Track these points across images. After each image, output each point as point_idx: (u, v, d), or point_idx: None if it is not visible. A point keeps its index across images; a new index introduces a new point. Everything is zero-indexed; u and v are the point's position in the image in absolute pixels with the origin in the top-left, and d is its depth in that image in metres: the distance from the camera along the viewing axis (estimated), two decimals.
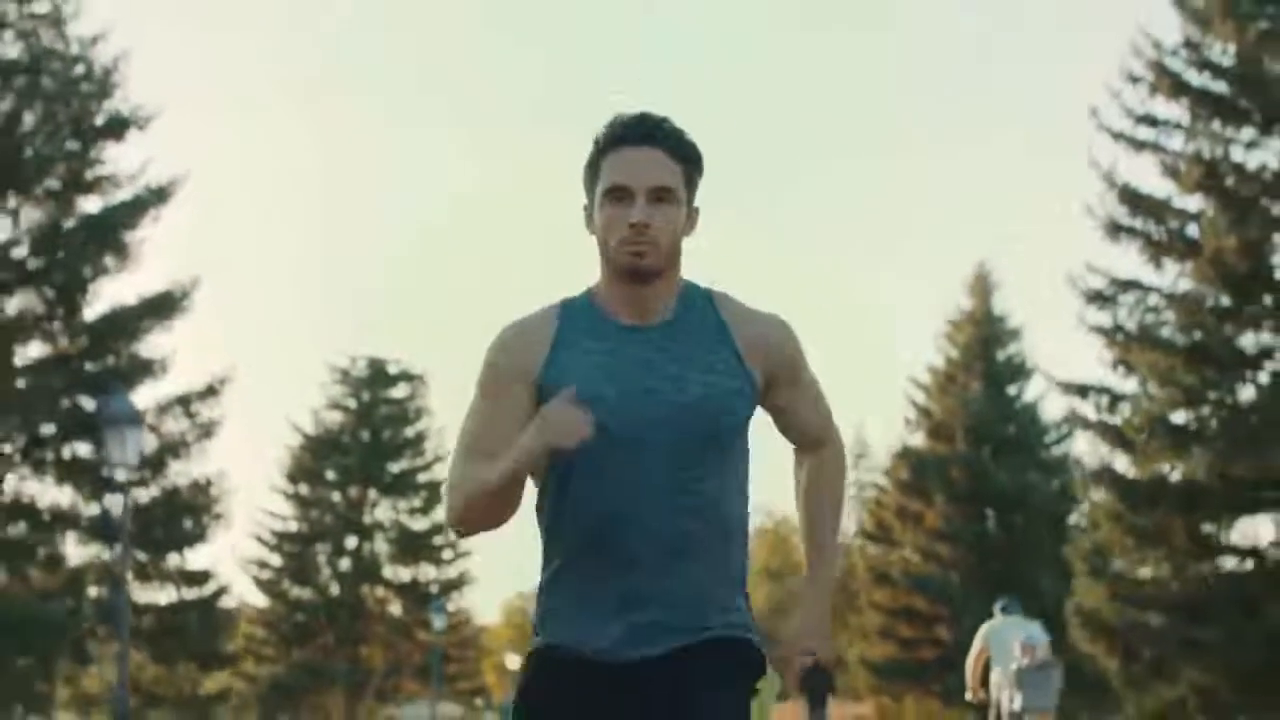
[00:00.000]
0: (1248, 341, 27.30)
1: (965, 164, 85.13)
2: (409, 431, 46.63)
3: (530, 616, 3.35)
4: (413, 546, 46.10)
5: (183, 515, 29.54)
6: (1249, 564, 27.64)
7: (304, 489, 45.81)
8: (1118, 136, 27.90)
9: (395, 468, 46.23)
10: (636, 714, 3.06)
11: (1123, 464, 28.08)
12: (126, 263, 28.07)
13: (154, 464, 28.45)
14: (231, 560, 44.57)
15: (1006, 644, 14.64)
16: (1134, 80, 27.80)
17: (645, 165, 3.08)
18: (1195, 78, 27.56)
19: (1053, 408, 41.80)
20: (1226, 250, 26.37)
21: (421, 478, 46.10)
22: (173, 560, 30.00)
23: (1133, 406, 27.82)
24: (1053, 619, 28.99)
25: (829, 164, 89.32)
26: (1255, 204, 26.87)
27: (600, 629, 3.09)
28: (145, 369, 28.54)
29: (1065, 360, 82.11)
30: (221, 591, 31.28)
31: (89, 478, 27.18)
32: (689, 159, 3.13)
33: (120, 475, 18.88)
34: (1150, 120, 27.80)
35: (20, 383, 27.13)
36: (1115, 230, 27.70)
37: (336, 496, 45.93)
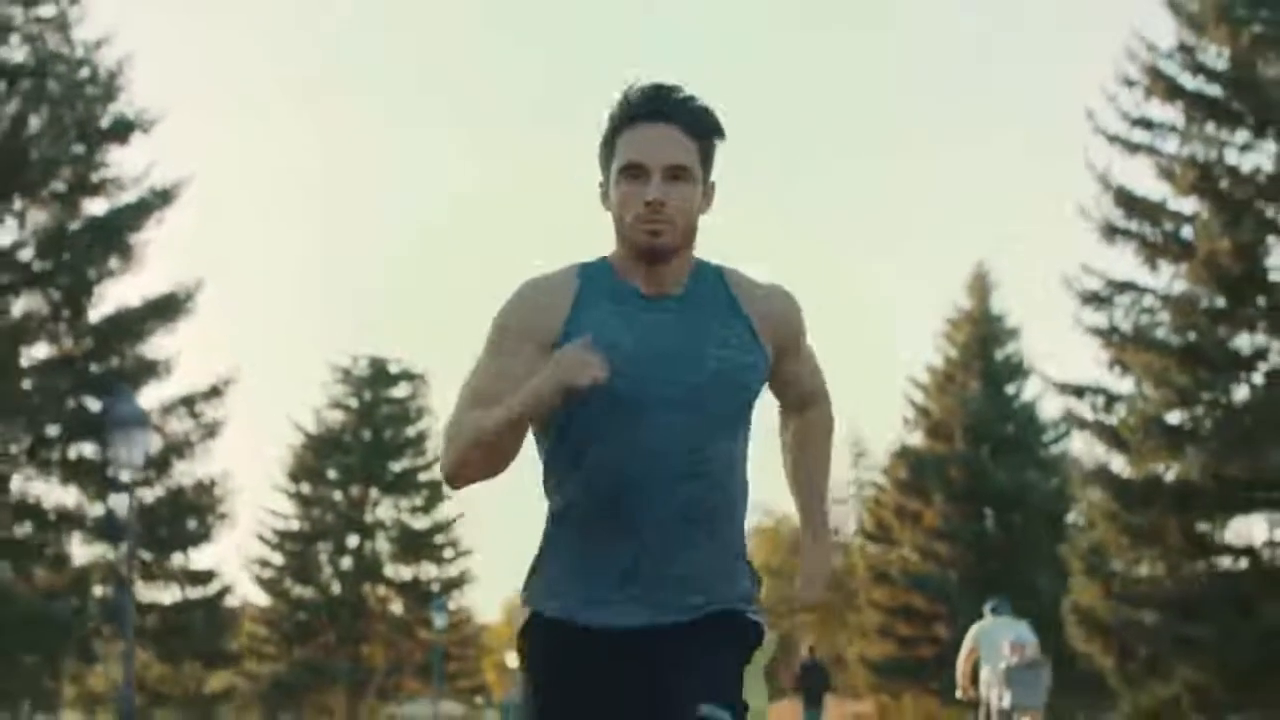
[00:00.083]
0: (1242, 343, 27.55)
1: (965, 164, 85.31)
2: (410, 431, 46.75)
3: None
4: (414, 545, 46.23)
5: (187, 515, 29.78)
6: (1243, 563, 27.87)
7: (306, 488, 45.94)
8: (1113, 139, 28.13)
9: (396, 467, 46.34)
10: (635, 681, 3.07)
11: (1118, 464, 28.30)
12: (131, 264, 28.32)
13: (158, 464, 28.66)
14: (235, 559, 44.76)
15: (996, 643, 14.98)
16: (1129, 83, 28.03)
17: (661, 143, 3.06)
18: (1190, 81, 27.80)
19: (1051, 407, 41.88)
20: (1220, 252, 26.59)
21: (423, 477, 46.19)
22: (177, 560, 30.25)
23: (1128, 407, 28.04)
24: (1050, 617, 29.23)
25: (828, 164, 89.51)
26: (1249, 206, 27.10)
27: (603, 595, 3.08)
28: (150, 370, 28.78)
29: (1063, 360, 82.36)
30: (225, 591, 31.52)
31: (94, 478, 27.40)
32: (705, 135, 3.11)
33: (126, 476, 19.05)
34: (1145, 123, 28.03)
35: (26, 384, 27.34)
36: (1111, 232, 27.93)
37: (338, 495, 46.06)
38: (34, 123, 27.35)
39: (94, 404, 26.84)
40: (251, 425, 72.99)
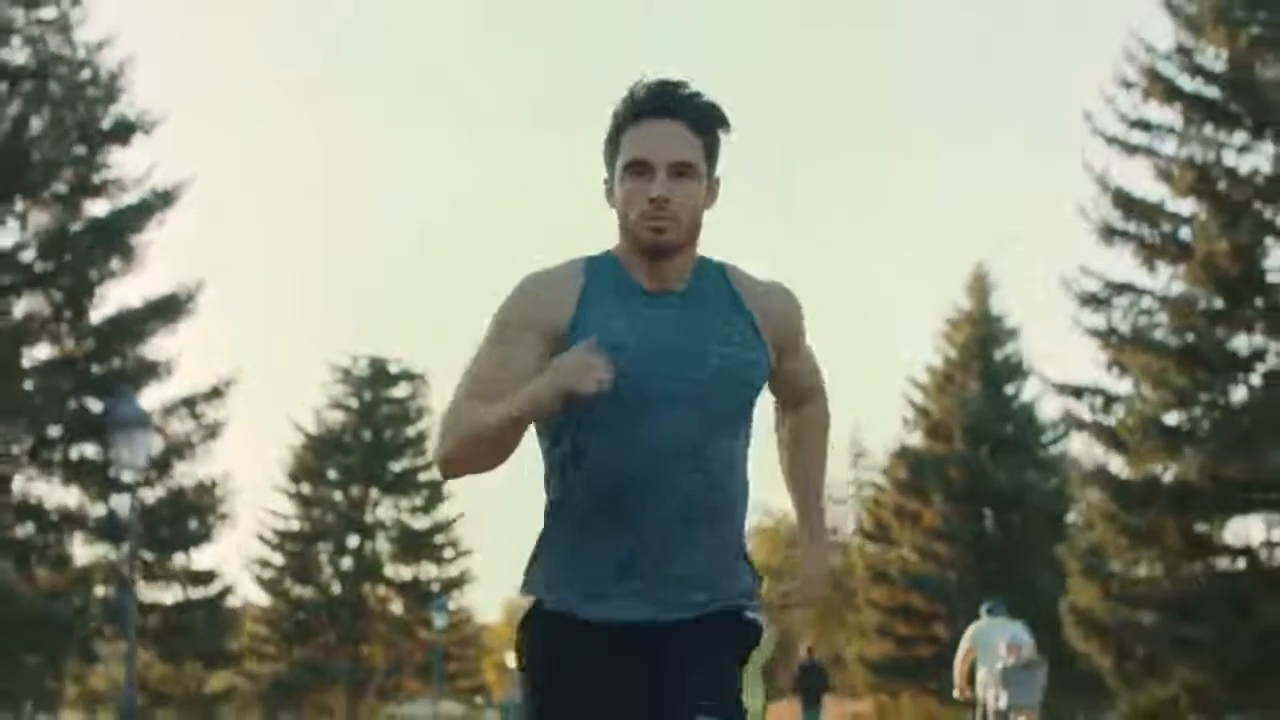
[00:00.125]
0: (1239, 344, 27.63)
1: (965, 164, 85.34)
2: (410, 431, 46.80)
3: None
4: (414, 545, 46.29)
5: (188, 515, 29.87)
6: (1241, 564, 27.95)
7: (306, 488, 45.99)
8: (1111, 141, 28.21)
9: (397, 467, 46.39)
10: (636, 677, 3.08)
11: (1117, 465, 28.37)
12: (132, 266, 28.40)
13: (160, 465, 28.73)
14: (236, 560, 44.83)
15: (992, 644, 15.13)
16: (1127, 85, 28.12)
17: (665, 140, 3.05)
18: (1188, 83, 27.89)
19: (1050, 408, 41.96)
20: (1218, 254, 26.68)
21: (423, 477, 46.22)
22: (178, 560, 30.34)
23: (1126, 408, 28.12)
24: (1049, 617, 29.30)
25: (828, 164, 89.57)
26: (1247, 208, 27.19)
27: (602, 589, 3.08)
28: (151, 371, 28.86)
29: (1063, 361, 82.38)
30: (227, 591, 31.61)
31: (96, 478, 27.49)
32: (710, 130, 3.11)
33: (127, 476, 19.12)
34: (1143, 125, 28.12)
35: (28, 384, 27.42)
36: (1109, 233, 28.02)
37: (338, 495, 46.11)
38: (36, 124, 27.42)
39: (95, 405, 26.92)
40: (252, 426, 73.17)
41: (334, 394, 46.87)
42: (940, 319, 44.18)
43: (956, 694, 15.59)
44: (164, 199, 28.64)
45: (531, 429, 3.13)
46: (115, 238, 28.12)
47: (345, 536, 45.69)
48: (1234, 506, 27.46)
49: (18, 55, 27.82)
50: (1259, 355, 27.48)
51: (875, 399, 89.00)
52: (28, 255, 27.81)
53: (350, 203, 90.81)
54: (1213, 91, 27.78)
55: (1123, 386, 28.33)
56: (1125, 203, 28.01)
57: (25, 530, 27.72)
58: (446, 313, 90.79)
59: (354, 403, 46.77)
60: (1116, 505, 27.77)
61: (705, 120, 3.10)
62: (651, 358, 3.06)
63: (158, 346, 29.05)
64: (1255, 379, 27.60)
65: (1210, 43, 27.54)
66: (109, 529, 27.53)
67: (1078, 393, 28.75)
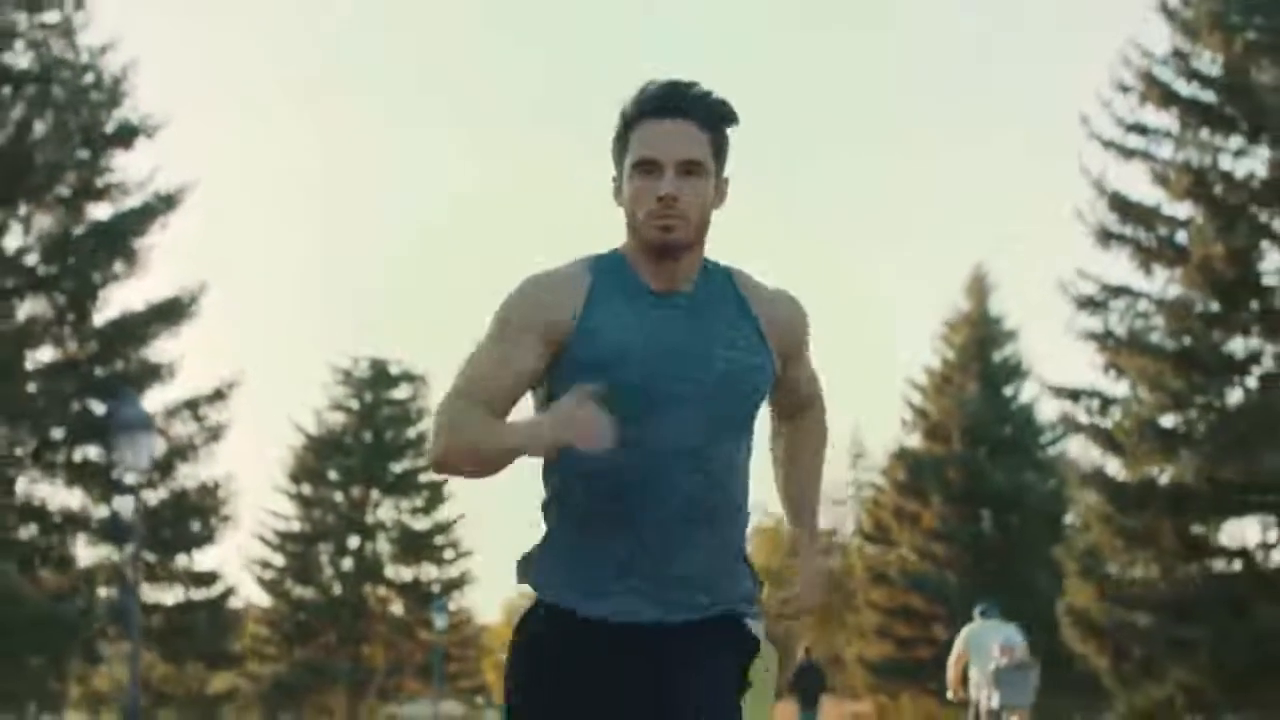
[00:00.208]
0: (1235, 346, 27.77)
1: (965, 164, 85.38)
2: (411, 432, 46.87)
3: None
4: (414, 546, 46.37)
5: (190, 517, 30.02)
6: (1236, 565, 28.07)
7: (307, 489, 46.06)
8: (1108, 144, 28.36)
9: (397, 468, 46.46)
10: (640, 677, 3.07)
11: (1113, 467, 28.50)
12: (135, 269, 28.56)
13: (162, 467, 28.88)
14: (237, 561, 44.94)
15: (985, 646, 15.33)
16: (1124, 89, 28.27)
17: (673, 138, 3.05)
18: (1184, 87, 28.04)
19: (1048, 409, 42.02)
20: (1215, 257, 26.82)
21: (423, 478, 46.24)
22: (181, 561, 30.49)
23: (1123, 410, 28.24)
24: (1048, 618, 29.45)
25: (828, 164, 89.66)
26: (1243, 211, 27.34)
27: (602, 587, 3.07)
28: (154, 373, 29.00)
29: (1062, 362, 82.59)
30: (229, 592, 31.75)
31: (99, 480, 27.62)
32: (718, 129, 3.11)
33: (130, 478, 19.28)
34: (1140, 129, 28.26)
35: (31, 387, 27.57)
36: (1106, 237, 28.16)
37: (339, 496, 46.19)
38: (39, 128, 27.56)
39: (98, 407, 27.07)
40: (253, 427, 73.27)
41: (335, 395, 46.96)
42: (939, 320, 44.31)
43: (950, 695, 15.80)
44: (166, 202, 28.79)
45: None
46: (118, 241, 28.27)
47: (346, 537, 45.78)
48: (1230, 508, 27.59)
49: (21, 59, 27.97)
50: (1255, 358, 27.63)
51: (874, 400, 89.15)
52: (31, 258, 27.97)
53: (350, 204, 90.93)
54: (1209, 96, 27.93)
55: (1119, 389, 28.48)
56: (1122, 206, 28.15)
57: (29, 532, 27.88)
58: (447, 313, 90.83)
59: (355, 404, 46.84)
60: (1113, 507, 27.90)
61: (713, 118, 3.10)
62: (657, 359, 3.05)
63: (160, 349, 29.26)
64: (1251, 382, 27.74)
65: (1206, 47, 27.69)
66: (112, 530, 27.69)
67: (1074, 395, 28.90)
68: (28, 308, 27.94)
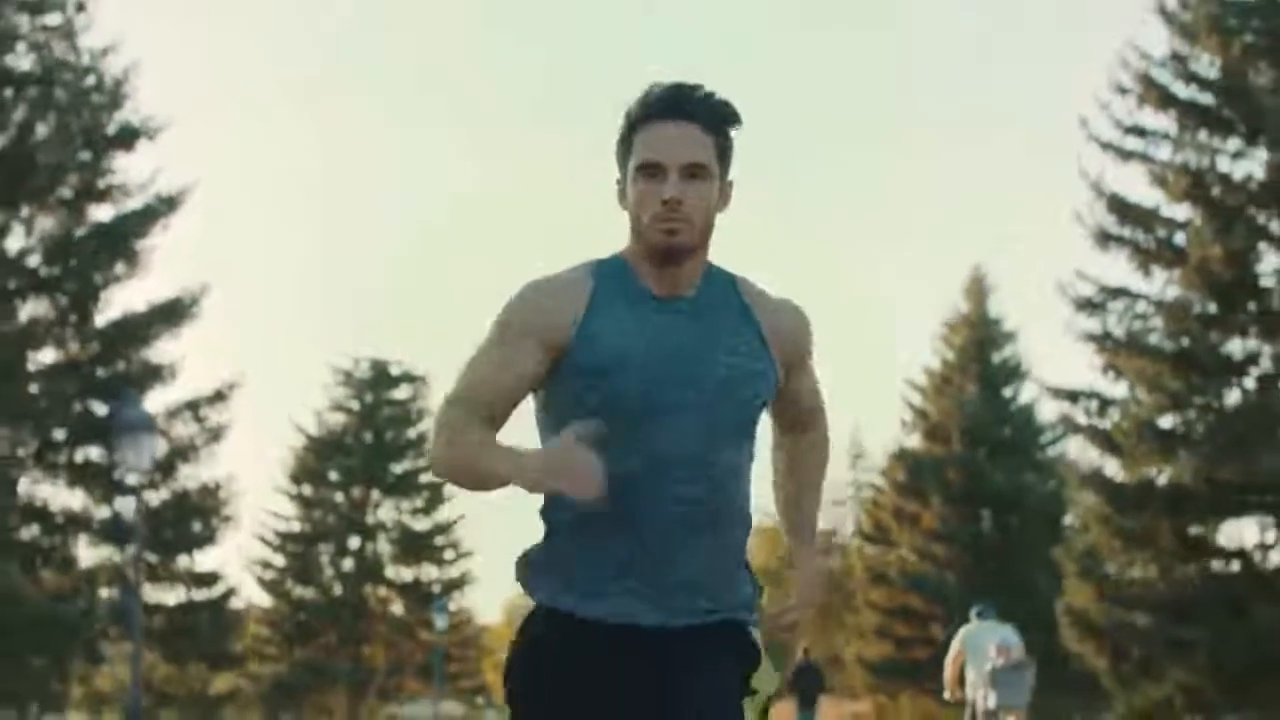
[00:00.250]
0: (1233, 348, 27.85)
1: (964, 165, 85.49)
2: (411, 433, 46.91)
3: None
4: (415, 547, 46.41)
5: (192, 518, 30.09)
6: (1234, 566, 28.14)
7: (307, 490, 46.11)
8: (1106, 146, 28.44)
9: (398, 468, 46.50)
10: (639, 680, 3.07)
11: (1112, 468, 28.58)
12: (137, 270, 28.62)
13: (164, 468, 28.94)
14: (239, 561, 44.99)
15: (982, 646, 15.47)
16: (1122, 91, 28.36)
17: (678, 141, 3.04)
18: (1182, 90, 28.13)
19: (1048, 410, 42.05)
20: (1212, 258, 26.90)
21: (424, 478, 46.24)
22: (182, 562, 30.57)
23: (1121, 411, 28.32)
24: (1047, 618, 29.52)
25: (828, 164, 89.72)
26: (1241, 213, 27.42)
27: (600, 588, 3.06)
28: (155, 374, 29.07)
29: (1061, 363, 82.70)
30: (230, 593, 31.82)
31: (100, 481, 27.69)
32: (723, 131, 3.10)
33: (132, 479, 19.34)
34: (1138, 131, 28.34)
35: (33, 388, 27.64)
36: (1104, 238, 28.25)
37: (339, 497, 46.24)
38: (41, 130, 27.65)
39: (100, 408, 27.14)
40: (254, 428, 73.26)
41: (335, 396, 47.02)
42: (938, 321, 44.40)
43: (946, 694, 15.94)
44: (168, 204, 28.86)
45: (533, 428, 3.17)
46: (120, 242, 28.35)
47: (346, 538, 45.84)
48: (1228, 509, 27.67)
49: (23, 61, 28.05)
50: (1253, 359, 27.71)
51: (874, 401, 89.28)
52: (33, 260, 28.04)
53: (350, 204, 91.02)
54: (1207, 98, 28.02)
55: (1118, 390, 28.55)
56: (1120, 208, 28.23)
57: (31, 533, 27.95)
58: (447, 313, 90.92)
59: (355, 405, 46.89)
60: (1111, 508, 27.97)
61: (718, 120, 3.09)
62: (658, 364, 3.04)
63: (162, 350, 29.32)
64: (1249, 382, 27.82)
65: (1204, 50, 27.78)
66: (114, 531, 27.77)
67: (1073, 396, 28.99)
68: (30, 309, 28.03)
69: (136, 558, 19.88)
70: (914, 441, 44.19)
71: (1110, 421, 28.44)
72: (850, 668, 45.67)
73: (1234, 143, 27.75)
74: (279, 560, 45.41)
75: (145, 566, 28.25)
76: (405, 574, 46.65)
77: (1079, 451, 29.76)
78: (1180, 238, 27.90)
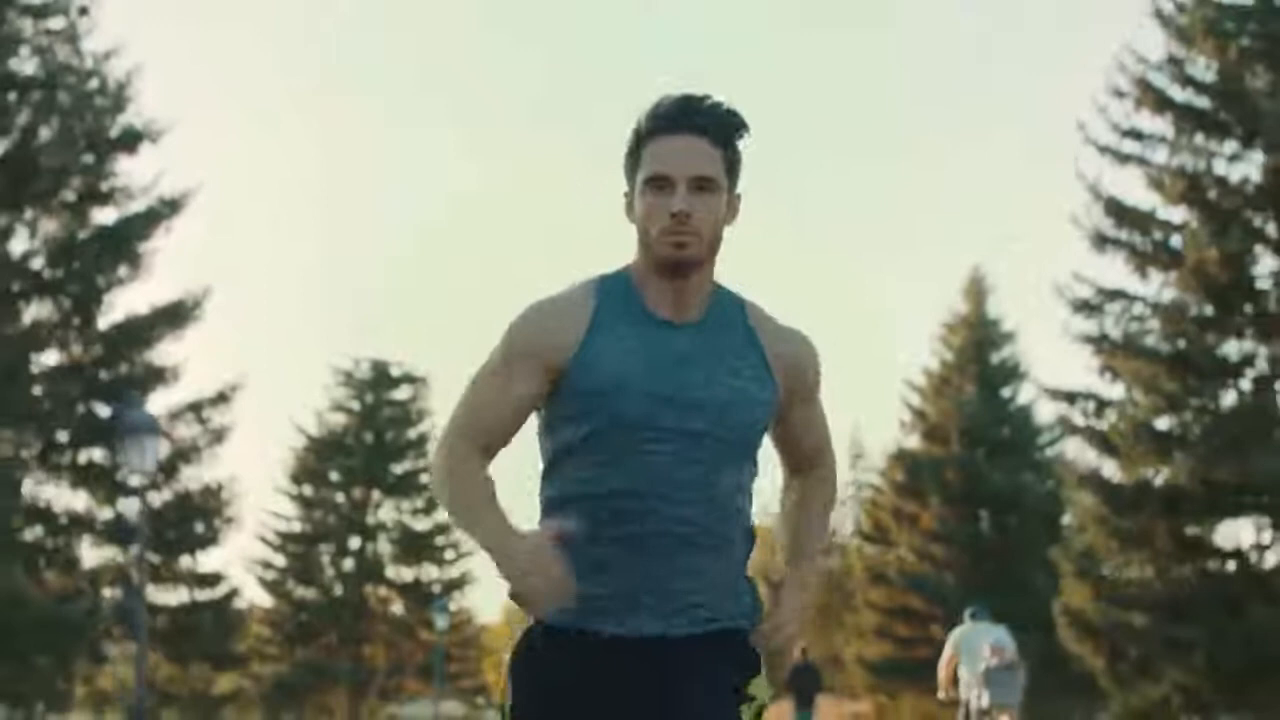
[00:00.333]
0: (1229, 349, 27.96)
1: (964, 166, 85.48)
2: (412, 433, 47.01)
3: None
4: (415, 547, 46.50)
5: (195, 519, 30.22)
6: (1231, 566, 28.24)
7: (308, 490, 46.21)
8: (1103, 150, 28.57)
9: (398, 469, 46.59)
10: (641, 689, 3.07)
11: (1109, 469, 28.70)
12: (140, 273, 28.71)
13: (167, 469, 29.08)
14: (241, 562, 45.11)
15: (976, 647, 15.69)
16: (1119, 95, 28.49)
17: (686, 154, 3.03)
18: (1179, 93, 28.24)
19: (1046, 411, 42.15)
20: (1209, 261, 27.03)
21: (424, 479, 46.30)
22: (185, 562, 30.69)
23: (1118, 413, 28.44)
24: (1045, 618, 29.65)
25: (826, 165, 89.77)
26: (1237, 216, 27.56)
27: (600, 604, 3.06)
28: (158, 376, 29.17)
29: (1060, 364, 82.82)
30: (233, 593, 31.96)
31: (104, 482, 27.81)
32: (731, 144, 3.09)
33: (135, 480, 19.47)
34: (1135, 134, 28.45)
35: (37, 390, 27.73)
36: (1101, 241, 28.39)
37: (340, 497, 46.33)
38: (44, 133, 27.70)
39: (104, 410, 27.27)
40: (255, 428, 73.52)
41: (336, 397, 47.11)
42: (937, 322, 44.50)
43: (940, 694, 16.16)
44: (171, 207, 28.95)
45: (534, 432, 3.18)
46: (123, 245, 28.45)
47: (347, 538, 45.94)
48: (1224, 510, 27.79)
49: (26, 65, 28.13)
50: (1249, 361, 27.83)
51: (873, 401, 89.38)
52: (37, 262, 28.13)
53: (351, 205, 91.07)
54: (1203, 102, 28.14)
55: (1115, 392, 28.66)
56: (1117, 211, 28.36)
57: (35, 534, 28.05)
58: (447, 314, 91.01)
59: (356, 405, 46.99)
60: (1108, 508, 28.09)
61: (726, 133, 3.08)
62: (659, 386, 3.04)
63: (165, 352, 29.40)
64: (1245, 384, 27.94)
65: (1201, 54, 27.90)
66: (117, 532, 27.90)
67: (1070, 398, 29.11)
68: (33, 311, 28.12)
69: (140, 558, 19.99)
70: (913, 442, 44.30)
71: (1107, 423, 28.57)
72: (850, 668, 45.76)
73: (1230, 146, 27.88)
74: (280, 560, 45.52)
75: (148, 567, 28.34)
76: (406, 574, 46.74)
77: (1076, 452, 29.91)
78: (1177, 240, 28.01)
